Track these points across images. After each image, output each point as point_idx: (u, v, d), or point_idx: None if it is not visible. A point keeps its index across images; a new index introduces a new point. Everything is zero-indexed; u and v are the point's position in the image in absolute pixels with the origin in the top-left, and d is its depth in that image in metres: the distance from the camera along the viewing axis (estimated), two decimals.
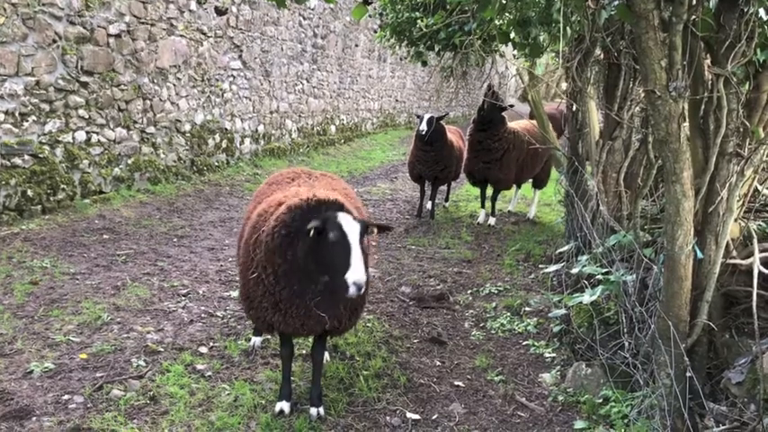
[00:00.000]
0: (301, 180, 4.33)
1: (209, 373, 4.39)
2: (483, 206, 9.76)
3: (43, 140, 7.66)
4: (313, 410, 3.93)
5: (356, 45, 18.62)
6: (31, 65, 7.36)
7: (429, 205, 9.98)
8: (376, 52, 20.38)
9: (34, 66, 7.41)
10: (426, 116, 9.15)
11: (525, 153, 9.23)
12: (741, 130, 3.60)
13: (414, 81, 24.90)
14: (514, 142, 9.14)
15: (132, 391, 4.08)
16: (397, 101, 23.38)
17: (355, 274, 3.21)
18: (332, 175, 4.68)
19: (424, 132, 9.03)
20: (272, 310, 3.63)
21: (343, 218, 3.32)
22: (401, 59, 19.89)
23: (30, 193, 7.46)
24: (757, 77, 3.60)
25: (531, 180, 10.33)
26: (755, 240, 3.76)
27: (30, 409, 3.77)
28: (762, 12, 3.39)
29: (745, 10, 3.31)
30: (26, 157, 7.41)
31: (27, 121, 7.41)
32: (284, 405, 3.95)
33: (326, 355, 4.24)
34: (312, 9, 15.27)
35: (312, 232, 3.27)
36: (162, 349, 4.72)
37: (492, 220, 9.54)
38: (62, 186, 7.95)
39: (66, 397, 3.96)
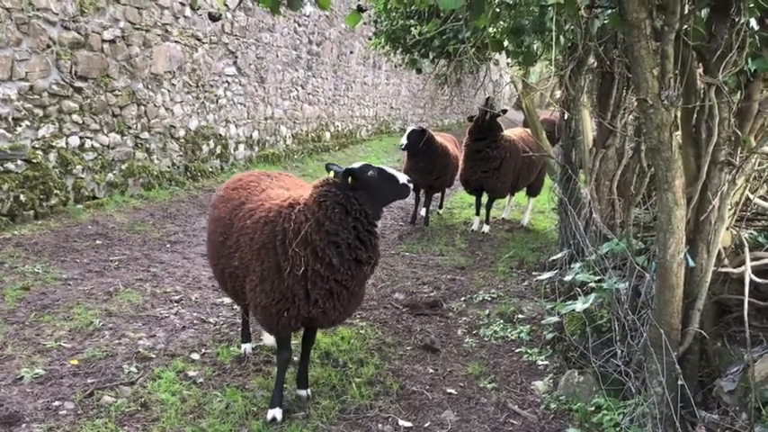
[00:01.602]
0: (269, 181, 4.40)
1: (201, 380, 4.38)
2: (477, 213, 9.77)
3: (36, 145, 7.65)
4: (302, 392, 4.21)
5: (351, 52, 18.66)
6: (24, 70, 7.35)
7: (423, 212, 9.98)
8: (371, 59, 20.42)
9: (28, 71, 7.40)
10: (408, 129, 9.16)
11: (521, 162, 9.25)
12: (733, 139, 3.61)
13: (408, 88, 24.96)
14: (511, 150, 9.16)
15: (123, 397, 4.06)
16: (391, 108, 23.42)
17: (402, 176, 3.79)
18: (287, 174, 4.76)
19: (403, 147, 9.06)
20: (323, 299, 3.71)
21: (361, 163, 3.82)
22: (396, 67, 19.95)
23: (22, 198, 7.43)
24: (748, 87, 3.62)
25: (525, 188, 10.34)
26: (747, 249, 3.77)
27: (19, 416, 3.75)
28: (753, 21, 3.41)
29: (737, 20, 3.32)
30: (19, 161, 7.39)
31: (20, 125, 7.39)
32: (277, 412, 3.95)
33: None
34: (307, 16, 15.31)
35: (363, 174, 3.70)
36: (154, 356, 4.70)
37: (486, 228, 9.55)
38: (55, 191, 7.93)
39: (56, 403, 3.94)
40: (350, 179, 3.65)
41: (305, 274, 3.64)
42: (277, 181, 4.42)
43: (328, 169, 3.80)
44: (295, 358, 4.73)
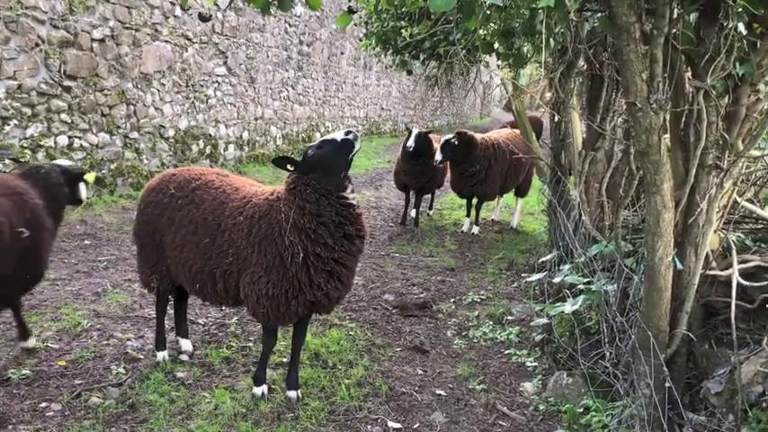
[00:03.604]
0: (225, 179, 4.39)
1: (190, 381, 4.36)
2: (468, 215, 9.79)
3: (25, 144, 7.60)
4: (292, 393, 4.21)
5: (342, 53, 18.65)
6: (13, 68, 7.31)
7: (413, 213, 9.99)
8: (362, 60, 20.42)
9: (16, 69, 7.36)
10: (414, 131, 9.13)
11: (509, 164, 9.26)
12: (720, 142, 3.64)
13: (399, 89, 24.97)
14: (496, 156, 9.16)
15: (111, 398, 4.04)
16: (382, 109, 23.42)
17: (338, 134, 3.81)
18: (217, 169, 4.70)
19: (411, 149, 9.04)
20: (324, 282, 3.82)
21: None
22: (386, 68, 19.96)
23: None
24: (736, 91, 3.64)
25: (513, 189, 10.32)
26: (734, 252, 3.79)
27: (6, 417, 3.72)
28: (740, 26, 3.44)
29: (725, 24, 3.35)
30: (7, 161, 7.34)
31: (8, 125, 7.35)
32: (264, 388, 4.21)
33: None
34: (298, 17, 15.28)
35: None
36: (142, 356, 4.68)
37: (476, 229, 9.58)
38: None
39: (43, 405, 3.91)
40: (288, 165, 3.81)
41: (305, 260, 3.75)
42: (227, 178, 4.42)
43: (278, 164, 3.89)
44: (284, 360, 4.72)
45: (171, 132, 10.66)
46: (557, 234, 5.97)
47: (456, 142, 8.87)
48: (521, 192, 10.30)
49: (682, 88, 3.63)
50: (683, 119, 3.68)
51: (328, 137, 3.86)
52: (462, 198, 9.96)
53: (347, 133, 3.82)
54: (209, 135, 11.93)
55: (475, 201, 9.70)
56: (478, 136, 9.37)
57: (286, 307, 3.88)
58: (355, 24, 13.17)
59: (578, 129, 6.05)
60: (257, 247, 3.88)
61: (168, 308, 4.80)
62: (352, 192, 3.86)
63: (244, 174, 12.39)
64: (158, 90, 10.16)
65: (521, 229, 10.03)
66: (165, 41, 10.19)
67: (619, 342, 4.10)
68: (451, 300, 6.51)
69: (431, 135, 9.55)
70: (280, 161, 3.83)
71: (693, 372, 3.92)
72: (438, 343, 5.43)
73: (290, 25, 14.97)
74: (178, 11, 10.41)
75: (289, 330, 4.40)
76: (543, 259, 5.95)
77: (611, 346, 4.22)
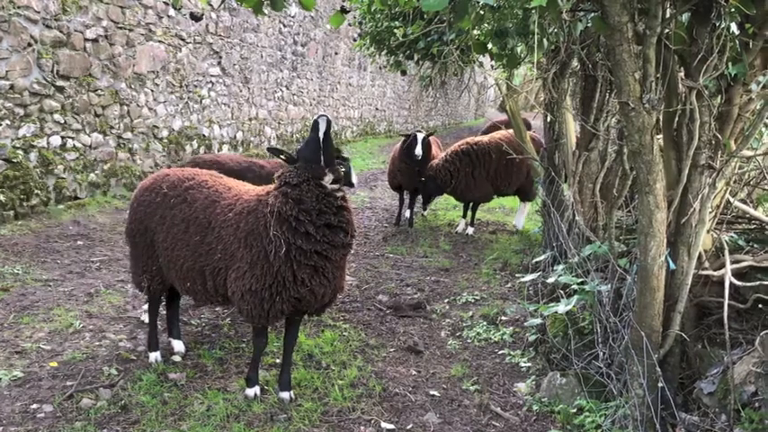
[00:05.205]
0: (219, 179, 4.43)
1: (182, 382, 4.34)
2: (464, 216, 9.78)
3: (17, 145, 7.56)
4: (285, 395, 4.19)
5: (336, 53, 18.63)
6: (5, 68, 7.27)
7: (408, 213, 9.98)
8: (356, 61, 20.41)
9: (9, 69, 7.32)
10: (420, 136, 9.02)
11: (496, 164, 9.15)
12: (713, 142, 3.64)
13: (394, 90, 24.97)
14: (475, 160, 9.12)
15: (103, 400, 4.02)
16: (377, 109, 23.41)
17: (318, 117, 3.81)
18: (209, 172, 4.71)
19: (420, 158, 9.01)
20: (309, 277, 3.79)
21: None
22: (381, 68, 19.97)
23: (2, 198, 7.34)
24: (729, 91, 3.65)
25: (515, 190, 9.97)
26: (727, 252, 3.80)
27: None
28: (733, 26, 3.44)
29: (717, 24, 3.36)
30: None
31: (0, 125, 7.31)
32: (257, 390, 4.20)
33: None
34: (292, 17, 15.27)
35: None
36: (134, 357, 4.66)
37: (470, 230, 9.57)
38: (36, 192, 7.84)
39: (34, 406, 3.89)
40: (282, 156, 3.89)
41: (288, 254, 3.71)
42: (221, 179, 4.45)
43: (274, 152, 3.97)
44: (277, 361, 4.70)
45: (164, 133, 10.63)
46: (551, 234, 5.98)
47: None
48: (521, 194, 9.80)
49: (674, 88, 3.64)
50: (676, 119, 3.69)
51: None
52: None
53: (321, 116, 3.83)
54: (203, 135, 11.90)
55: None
56: (463, 142, 9.39)
57: (270, 303, 3.84)
58: (349, 24, 13.19)
59: (572, 129, 6.06)
60: (243, 242, 3.89)
61: (161, 309, 4.78)
62: (337, 183, 3.81)
63: None
64: (152, 90, 10.14)
65: (515, 230, 10.01)
66: (159, 41, 10.17)
67: (612, 342, 4.10)
68: (445, 300, 6.50)
69: (431, 137, 9.50)
70: (275, 150, 3.91)
71: (686, 372, 3.93)
72: (432, 343, 5.42)
73: (285, 25, 14.95)
74: (172, 11, 10.38)
75: (283, 331, 4.39)
76: (537, 260, 5.96)
77: (604, 346, 4.23)
